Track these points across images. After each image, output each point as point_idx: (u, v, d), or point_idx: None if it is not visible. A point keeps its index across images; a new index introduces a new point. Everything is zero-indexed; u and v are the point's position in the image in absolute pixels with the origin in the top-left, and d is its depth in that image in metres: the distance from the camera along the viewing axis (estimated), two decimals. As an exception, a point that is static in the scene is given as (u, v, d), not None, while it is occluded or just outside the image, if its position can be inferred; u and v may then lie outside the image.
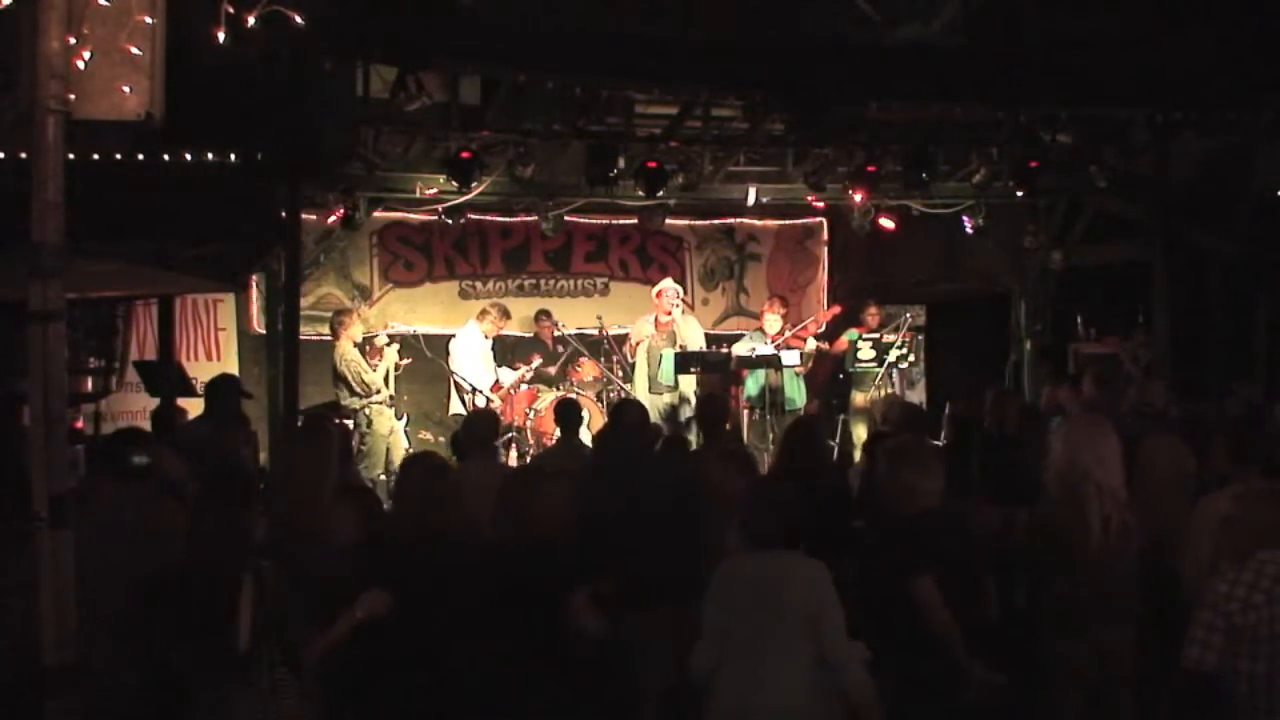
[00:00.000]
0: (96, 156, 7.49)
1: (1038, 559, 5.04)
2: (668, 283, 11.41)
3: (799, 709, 4.22)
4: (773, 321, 11.49)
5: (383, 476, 9.52)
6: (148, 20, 3.38)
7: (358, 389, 9.78)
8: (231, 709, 3.90)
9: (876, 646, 4.30)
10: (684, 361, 10.67)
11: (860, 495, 6.36)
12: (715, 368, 10.95)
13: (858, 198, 10.58)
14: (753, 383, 11.15)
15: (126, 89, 3.39)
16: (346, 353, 9.87)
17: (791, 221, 13.35)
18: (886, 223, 11.20)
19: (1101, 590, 4.80)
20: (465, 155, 9.04)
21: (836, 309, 12.16)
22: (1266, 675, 3.62)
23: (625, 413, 6.65)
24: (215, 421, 7.07)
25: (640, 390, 10.82)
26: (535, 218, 10.86)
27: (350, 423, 9.56)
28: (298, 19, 4.03)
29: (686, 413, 10.57)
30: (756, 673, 4.21)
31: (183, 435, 7.12)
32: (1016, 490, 5.78)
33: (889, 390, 11.31)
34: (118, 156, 7.67)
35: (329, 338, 10.25)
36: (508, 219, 12.22)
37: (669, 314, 10.98)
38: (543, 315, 11.74)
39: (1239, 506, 3.96)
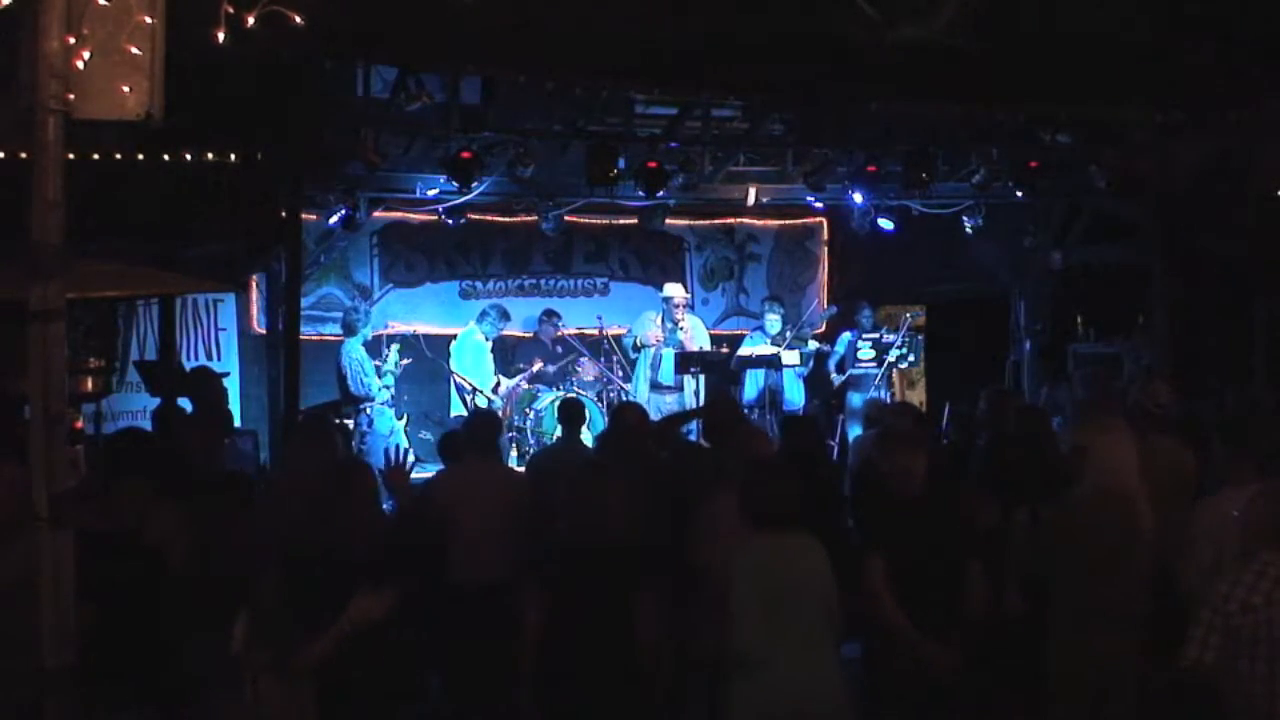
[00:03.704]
0: (96, 156, 7.49)
1: (1054, 557, 4.96)
2: (679, 290, 11.45)
3: (840, 697, 4.26)
4: (773, 322, 11.49)
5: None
6: (148, 20, 3.38)
7: (362, 388, 9.78)
8: (220, 710, 3.90)
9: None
10: (684, 361, 10.67)
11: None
12: (715, 368, 10.95)
13: (858, 198, 10.57)
14: (752, 383, 11.14)
15: (126, 89, 3.38)
16: (354, 350, 9.88)
17: (791, 221, 13.35)
18: (885, 223, 11.20)
19: (1116, 591, 4.78)
20: (465, 155, 9.05)
21: (835, 309, 12.17)
22: (1265, 677, 3.62)
23: (626, 414, 6.67)
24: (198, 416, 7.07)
25: (640, 391, 10.82)
26: (535, 218, 10.86)
27: (351, 423, 9.56)
28: (298, 19, 4.02)
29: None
30: (806, 660, 4.20)
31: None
32: (1017, 486, 5.76)
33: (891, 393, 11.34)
34: (118, 156, 7.67)
35: (329, 338, 10.23)
36: (508, 219, 12.21)
37: (682, 324, 11.08)
38: (547, 315, 11.70)
39: (1249, 507, 3.96)
